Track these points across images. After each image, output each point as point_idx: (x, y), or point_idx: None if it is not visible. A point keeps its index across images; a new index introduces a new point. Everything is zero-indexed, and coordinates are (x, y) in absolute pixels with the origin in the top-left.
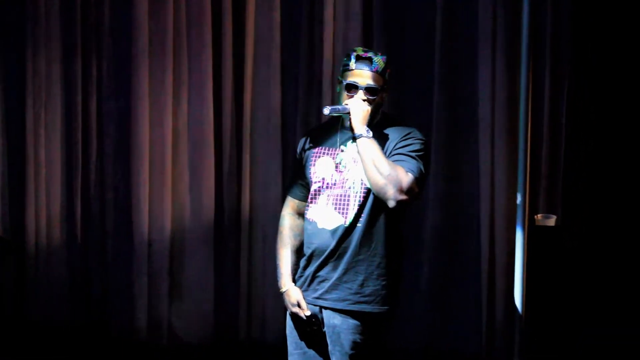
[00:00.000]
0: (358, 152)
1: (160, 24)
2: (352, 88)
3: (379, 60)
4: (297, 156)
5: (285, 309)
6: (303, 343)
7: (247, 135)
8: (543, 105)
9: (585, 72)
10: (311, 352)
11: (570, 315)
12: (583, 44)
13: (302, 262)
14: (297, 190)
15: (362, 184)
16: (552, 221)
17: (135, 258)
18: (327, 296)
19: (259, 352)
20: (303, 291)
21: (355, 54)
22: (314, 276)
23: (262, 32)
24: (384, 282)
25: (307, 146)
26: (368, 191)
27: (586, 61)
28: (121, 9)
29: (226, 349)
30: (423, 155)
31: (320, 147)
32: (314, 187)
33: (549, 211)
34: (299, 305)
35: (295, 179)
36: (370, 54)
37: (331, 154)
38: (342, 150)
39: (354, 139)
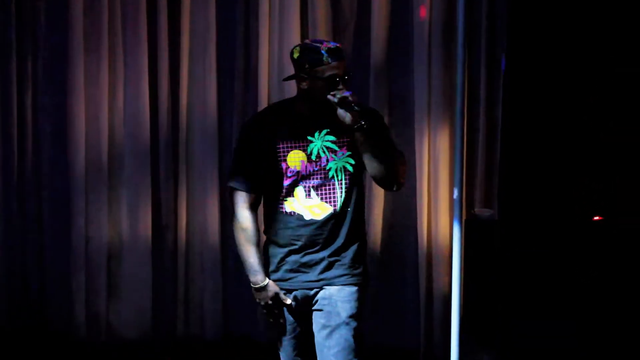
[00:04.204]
0: (362, 142)
1: (96, 19)
2: (334, 81)
3: (341, 47)
4: (250, 150)
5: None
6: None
7: (184, 131)
8: (479, 99)
9: (521, 67)
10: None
11: (506, 310)
12: (518, 40)
13: (282, 252)
14: (252, 184)
15: (344, 171)
16: (489, 216)
17: (72, 255)
18: (322, 276)
19: (198, 348)
20: (288, 278)
21: (324, 47)
22: (302, 262)
23: (198, 27)
24: (363, 260)
25: (263, 140)
26: (352, 177)
27: (522, 56)
28: (56, 4)
29: (165, 345)
30: (391, 134)
31: (285, 141)
32: (287, 181)
33: (485, 205)
34: (277, 297)
35: (247, 173)
36: (334, 44)
37: (300, 146)
38: (311, 141)
39: (355, 130)
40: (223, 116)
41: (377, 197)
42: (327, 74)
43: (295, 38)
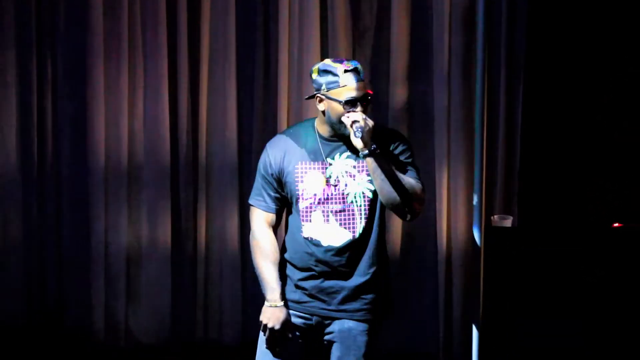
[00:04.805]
0: (371, 168)
1: (115, 23)
2: (352, 103)
3: (360, 68)
4: (270, 170)
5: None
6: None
7: (204, 136)
8: (499, 106)
9: (540, 72)
10: None
11: (526, 316)
12: (537, 44)
13: (300, 274)
14: (271, 203)
15: (364, 196)
16: (508, 222)
17: (92, 260)
18: (343, 307)
19: (216, 352)
20: (304, 302)
21: (340, 68)
22: (321, 288)
23: (218, 32)
24: (388, 290)
25: (283, 160)
26: (371, 203)
27: (541, 61)
28: (76, 9)
29: (183, 349)
30: (415, 160)
31: (304, 162)
32: (304, 204)
33: (505, 212)
34: (287, 323)
35: (266, 192)
36: (353, 64)
37: (319, 169)
38: (330, 164)
39: (366, 155)
40: (243, 121)
41: None
42: (344, 95)
43: (314, 43)
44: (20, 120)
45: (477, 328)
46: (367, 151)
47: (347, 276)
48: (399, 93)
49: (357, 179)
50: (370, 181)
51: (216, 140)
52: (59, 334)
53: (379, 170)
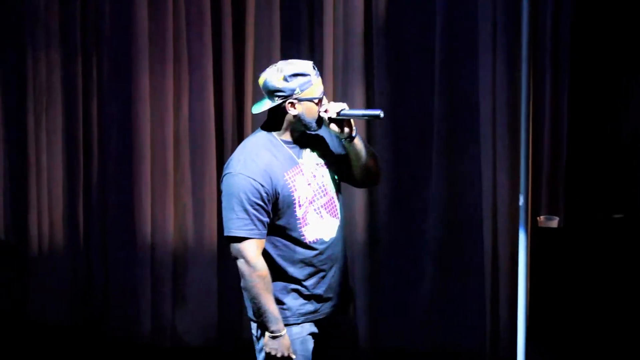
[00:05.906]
0: (359, 147)
1: (160, 25)
2: (322, 96)
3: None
4: (264, 195)
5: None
6: None
7: None
8: (544, 106)
9: (587, 72)
10: None
11: (573, 317)
12: (583, 44)
13: (310, 281)
14: (263, 229)
15: (335, 178)
16: (554, 223)
17: (138, 262)
18: (342, 294)
19: None
20: (317, 309)
21: (307, 67)
22: (329, 287)
23: (263, 33)
24: None
25: (271, 179)
26: (339, 183)
27: (587, 61)
28: (121, 11)
29: (230, 351)
30: None
31: (287, 171)
32: (301, 210)
33: (551, 213)
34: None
35: (259, 220)
36: (306, 60)
37: (300, 172)
38: (303, 164)
39: (353, 138)
40: None
41: (441, 198)
42: (317, 91)
43: (358, 45)
44: (66, 123)
45: (524, 329)
46: (355, 132)
47: (340, 261)
48: (443, 92)
49: (326, 166)
50: (335, 162)
51: None
52: (105, 336)
53: (362, 145)
